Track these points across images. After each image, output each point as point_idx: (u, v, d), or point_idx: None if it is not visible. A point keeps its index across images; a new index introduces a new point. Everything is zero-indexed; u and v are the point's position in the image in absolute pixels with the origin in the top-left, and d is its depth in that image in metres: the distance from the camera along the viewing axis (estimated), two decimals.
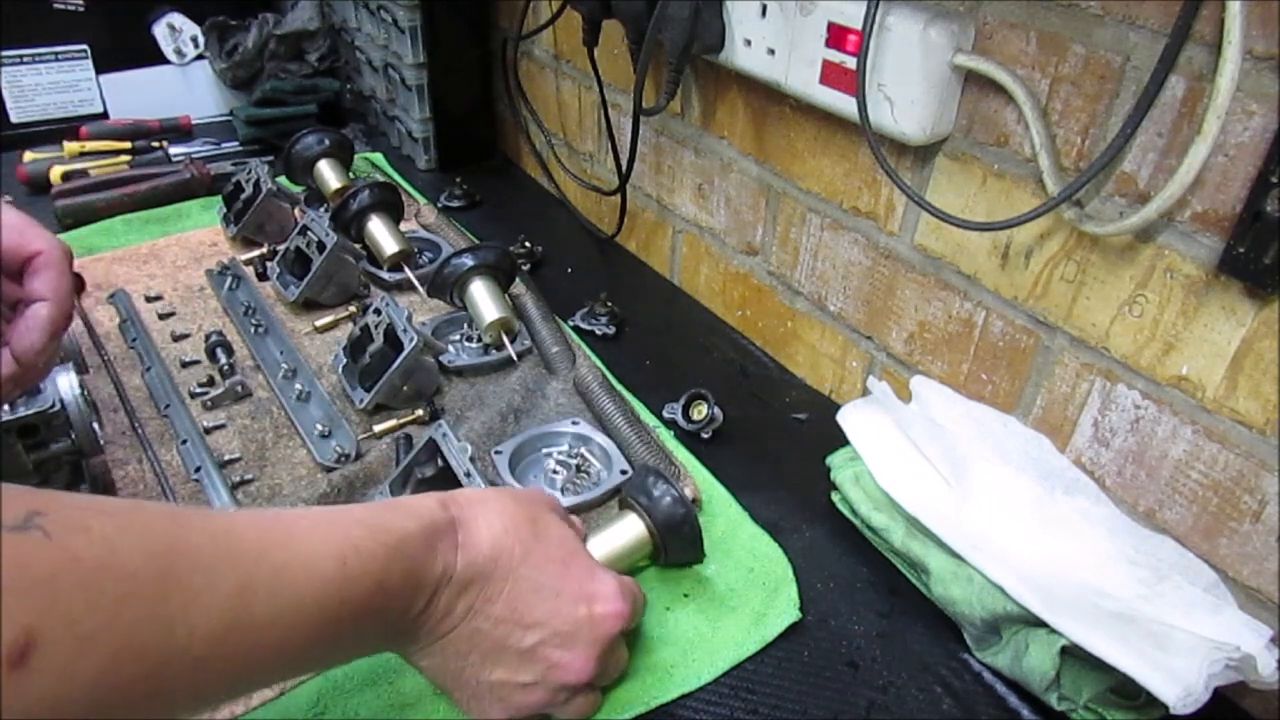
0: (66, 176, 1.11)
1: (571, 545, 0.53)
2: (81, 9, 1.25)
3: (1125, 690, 0.54)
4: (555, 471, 0.72)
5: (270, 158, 1.17)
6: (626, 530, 0.61)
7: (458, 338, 0.88)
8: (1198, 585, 0.56)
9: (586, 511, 0.69)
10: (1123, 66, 0.55)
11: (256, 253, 1.00)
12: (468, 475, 0.61)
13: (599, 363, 0.86)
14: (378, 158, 1.28)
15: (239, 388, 0.79)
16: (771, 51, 0.74)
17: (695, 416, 0.79)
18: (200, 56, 1.35)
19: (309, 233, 0.92)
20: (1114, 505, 0.63)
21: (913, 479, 0.65)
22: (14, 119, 1.27)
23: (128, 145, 1.21)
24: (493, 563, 0.48)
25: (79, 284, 0.93)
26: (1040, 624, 0.55)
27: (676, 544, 0.62)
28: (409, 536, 0.45)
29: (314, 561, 0.40)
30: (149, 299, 0.92)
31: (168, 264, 0.99)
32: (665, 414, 0.81)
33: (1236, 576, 0.57)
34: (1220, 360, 0.55)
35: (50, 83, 1.28)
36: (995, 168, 0.64)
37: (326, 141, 1.06)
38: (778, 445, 0.79)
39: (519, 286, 0.92)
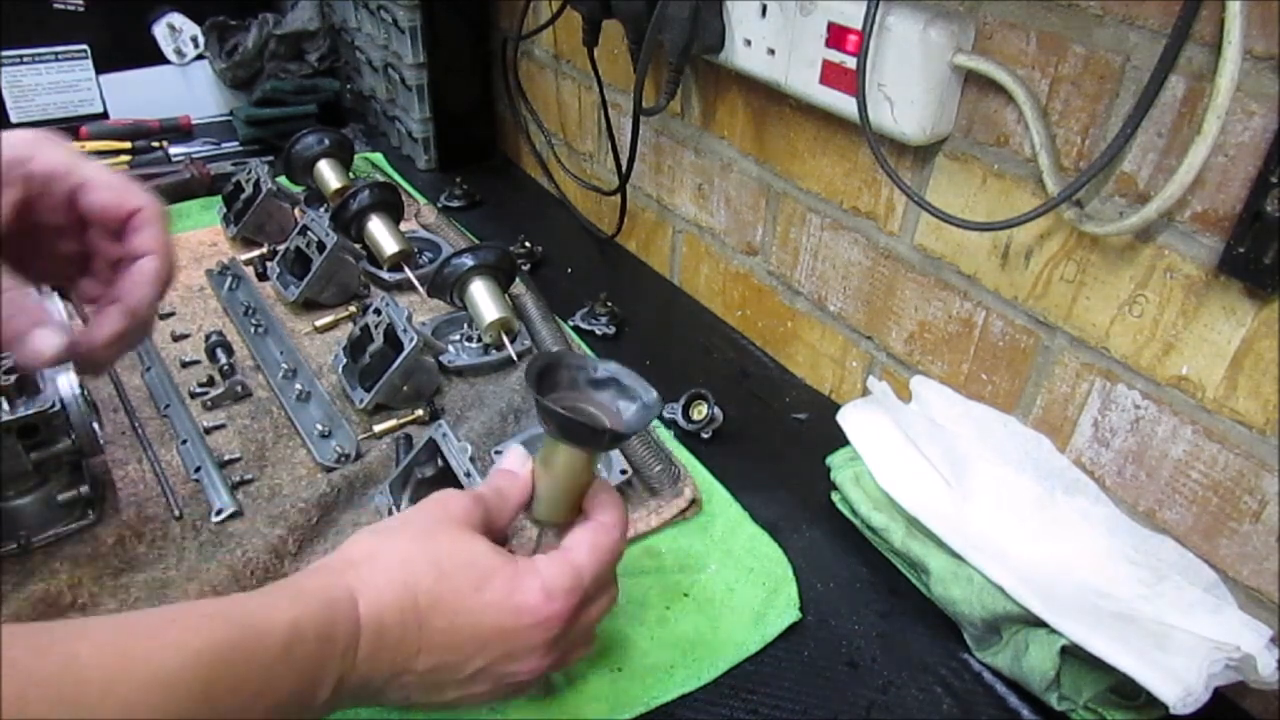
0: None
1: (482, 563, 0.47)
2: (81, 9, 1.25)
3: (1125, 690, 0.54)
4: None
5: (270, 158, 1.16)
6: (553, 456, 0.52)
7: (458, 338, 0.88)
8: (1198, 585, 0.56)
9: None
10: (1123, 66, 0.55)
11: (256, 253, 1.00)
12: (468, 475, 0.61)
13: None
14: (378, 158, 1.28)
15: (239, 388, 0.79)
16: (771, 51, 0.74)
17: (695, 416, 0.79)
18: (200, 56, 1.35)
19: (309, 233, 0.92)
20: (1114, 505, 0.63)
21: (913, 479, 0.65)
22: (14, 119, 1.27)
23: (128, 145, 1.21)
24: (399, 626, 0.44)
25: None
26: (1040, 624, 0.55)
27: (585, 443, 0.52)
28: (296, 634, 0.40)
29: (172, 689, 0.35)
30: None
31: None
32: (665, 414, 0.81)
33: (1236, 576, 0.57)
34: (1220, 360, 0.55)
35: (50, 83, 1.28)
36: (995, 168, 0.64)
37: (326, 141, 1.06)
38: (778, 445, 0.79)
39: (519, 286, 0.92)
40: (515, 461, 0.53)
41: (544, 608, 0.47)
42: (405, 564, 0.45)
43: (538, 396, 0.49)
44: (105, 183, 0.50)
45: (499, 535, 0.52)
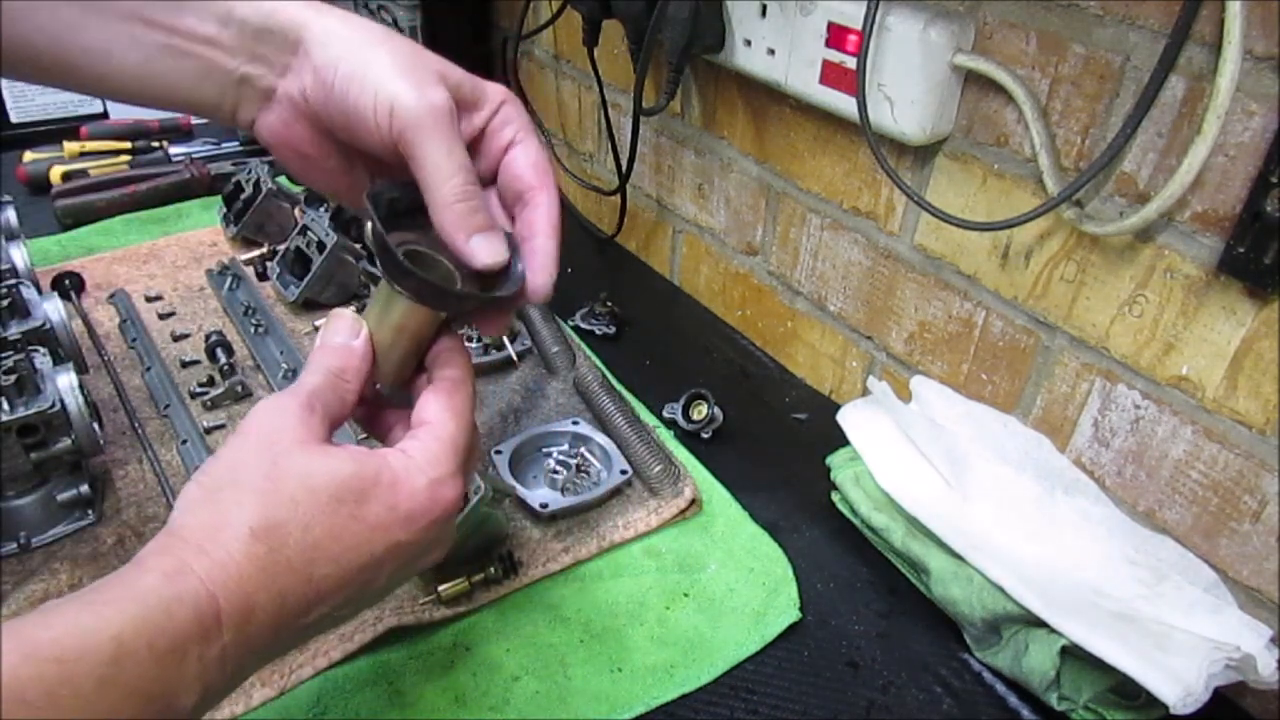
0: (66, 176, 1.11)
1: (350, 484, 0.40)
2: None
3: (1125, 690, 0.54)
4: (555, 471, 0.72)
5: (270, 158, 1.16)
6: (390, 310, 0.45)
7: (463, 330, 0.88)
8: (1198, 585, 0.56)
9: (586, 512, 0.69)
10: (1123, 66, 0.55)
11: (256, 253, 1.00)
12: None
13: (599, 363, 0.86)
14: None
15: (239, 388, 0.79)
16: (771, 51, 0.74)
17: (695, 416, 0.79)
18: None
19: (309, 233, 0.92)
20: (1114, 505, 0.63)
21: (913, 479, 0.65)
22: (14, 119, 1.27)
23: (128, 145, 1.21)
24: (275, 600, 0.37)
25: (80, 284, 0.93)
26: (1040, 624, 0.55)
27: (443, 305, 0.46)
28: (122, 652, 0.32)
29: None
30: (149, 299, 0.92)
31: (168, 264, 0.99)
32: (665, 414, 0.81)
33: (1236, 576, 0.57)
34: (1220, 360, 0.55)
35: None
36: (995, 168, 0.64)
37: None
38: (778, 445, 0.79)
39: None
40: (345, 330, 0.45)
41: (436, 503, 0.42)
42: (261, 530, 0.37)
43: (382, 233, 0.42)
44: (534, 149, 0.48)
45: (343, 420, 0.45)
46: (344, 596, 0.40)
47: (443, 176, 0.43)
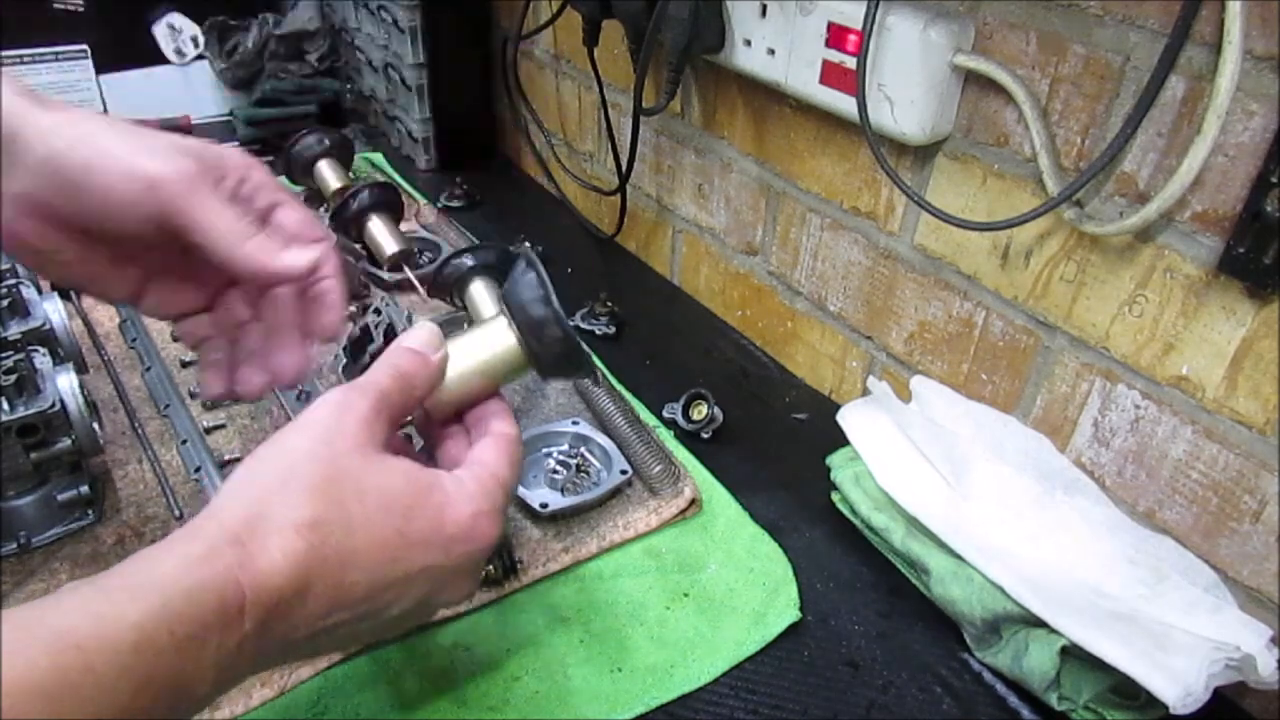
0: None
1: (401, 496, 0.41)
2: (81, 9, 1.25)
3: (1125, 690, 0.54)
4: (555, 471, 0.72)
5: (270, 158, 1.16)
6: (493, 338, 0.48)
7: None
8: (1198, 585, 0.56)
9: (586, 512, 0.69)
10: (1123, 66, 0.55)
11: None
12: None
13: (599, 363, 0.86)
14: (378, 158, 1.28)
15: None
16: (771, 51, 0.74)
17: (695, 416, 0.79)
18: (200, 56, 1.35)
19: None
20: (1114, 505, 0.63)
21: (913, 479, 0.65)
22: None
23: None
24: (302, 599, 0.37)
25: None
26: (1040, 624, 0.55)
27: (544, 349, 0.48)
28: (144, 640, 0.32)
29: None
30: None
31: None
32: (665, 414, 0.81)
33: (1236, 576, 0.57)
34: (1220, 360, 0.55)
35: (50, 83, 1.28)
36: (995, 168, 0.64)
37: (326, 141, 1.06)
38: (778, 445, 0.79)
39: None
40: (425, 340, 0.46)
41: (476, 534, 0.42)
42: (304, 526, 0.37)
43: (539, 273, 0.45)
44: (297, 206, 0.50)
45: (400, 425, 0.46)
46: (367, 609, 0.40)
47: (225, 227, 0.44)
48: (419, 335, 0.46)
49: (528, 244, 0.45)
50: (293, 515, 0.37)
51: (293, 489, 0.38)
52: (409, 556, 0.40)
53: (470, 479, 0.43)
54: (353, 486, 0.39)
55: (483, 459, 0.45)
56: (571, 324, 0.63)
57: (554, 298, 0.46)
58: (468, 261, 0.84)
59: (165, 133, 0.45)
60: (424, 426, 0.50)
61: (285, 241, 0.47)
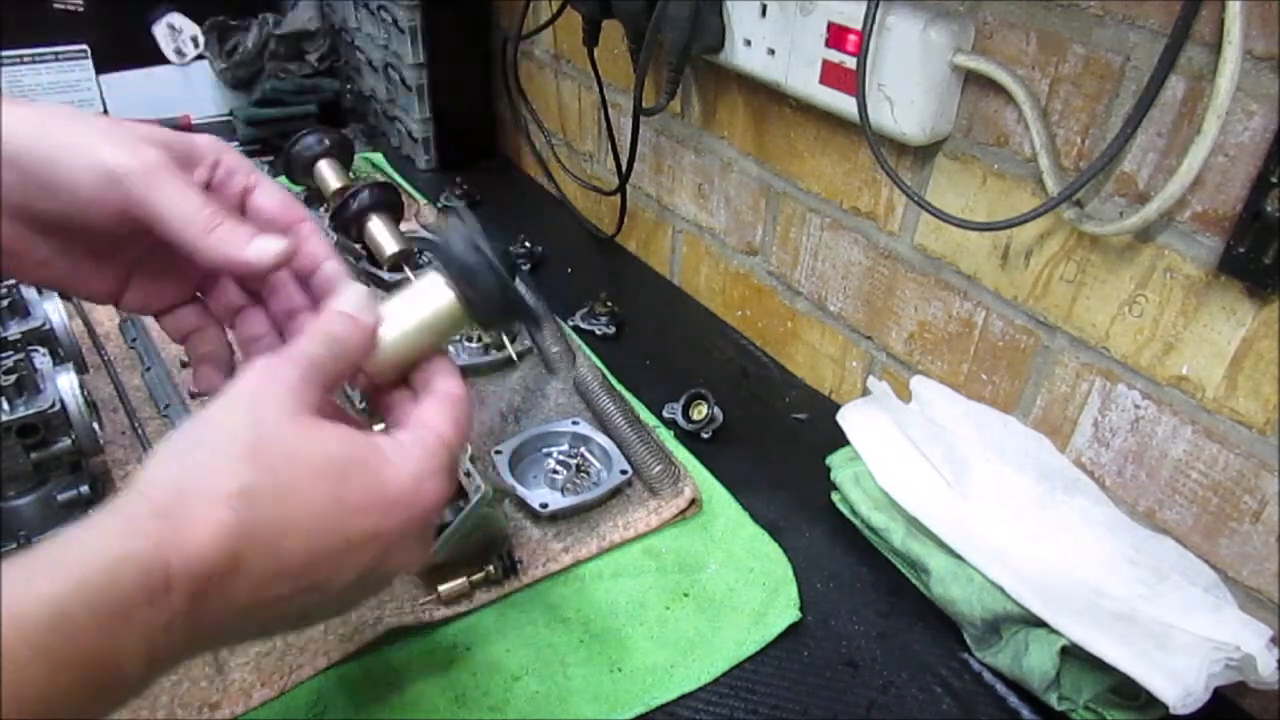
0: None
1: (336, 461, 0.38)
2: (81, 9, 1.25)
3: (1125, 690, 0.54)
4: (555, 471, 0.72)
5: (270, 158, 1.16)
6: (428, 296, 0.45)
7: (458, 338, 0.88)
8: (1198, 585, 0.56)
9: (586, 512, 0.69)
10: (1123, 66, 0.55)
11: None
12: (467, 475, 0.61)
13: (599, 363, 0.86)
14: (378, 158, 1.28)
15: None
16: (771, 51, 0.74)
17: (695, 416, 0.79)
18: (200, 56, 1.35)
19: None
20: (1114, 505, 0.63)
21: (913, 479, 0.65)
22: None
23: None
24: (234, 574, 0.35)
25: None
26: (1040, 624, 0.55)
27: (478, 295, 0.45)
28: (60, 618, 0.30)
29: None
30: None
31: None
32: (665, 414, 0.81)
33: (1236, 576, 0.57)
34: (1220, 360, 0.55)
35: (50, 83, 1.28)
36: (995, 168, 0.64)
37: (326, 141, 1.06)
38: (778, 445, 0.79)
39: (519, 287, 0.92)
40: (356, 303, 0.43)
41: (419, 497, 0.40)
42: (232, 496, 0.35)
43: (461, 226, 0.43)
44: (274, 188, 0.48)
45: (334, 391, 0.43)
46: (309, 581, 0.37)
47: (189, 214, 0.42)
48: (349, 299, 0.43)
49: (463, 204, 0.43)
50: (220, 486, 0.35)
51: (219, 459, 0.36)
52: (348, 523, 0.38)
53: (412, 441, 0.41)
54: (282, 452, 0.37)
55: (425, 420, 0.43)
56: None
57: (486, 245, 0.44)
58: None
59: (135, 123, 0.44)
60: (370, 391, 0.48)
61: (261, 227, 0.45)
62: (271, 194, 0.47)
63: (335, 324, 0.42)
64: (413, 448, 0.41)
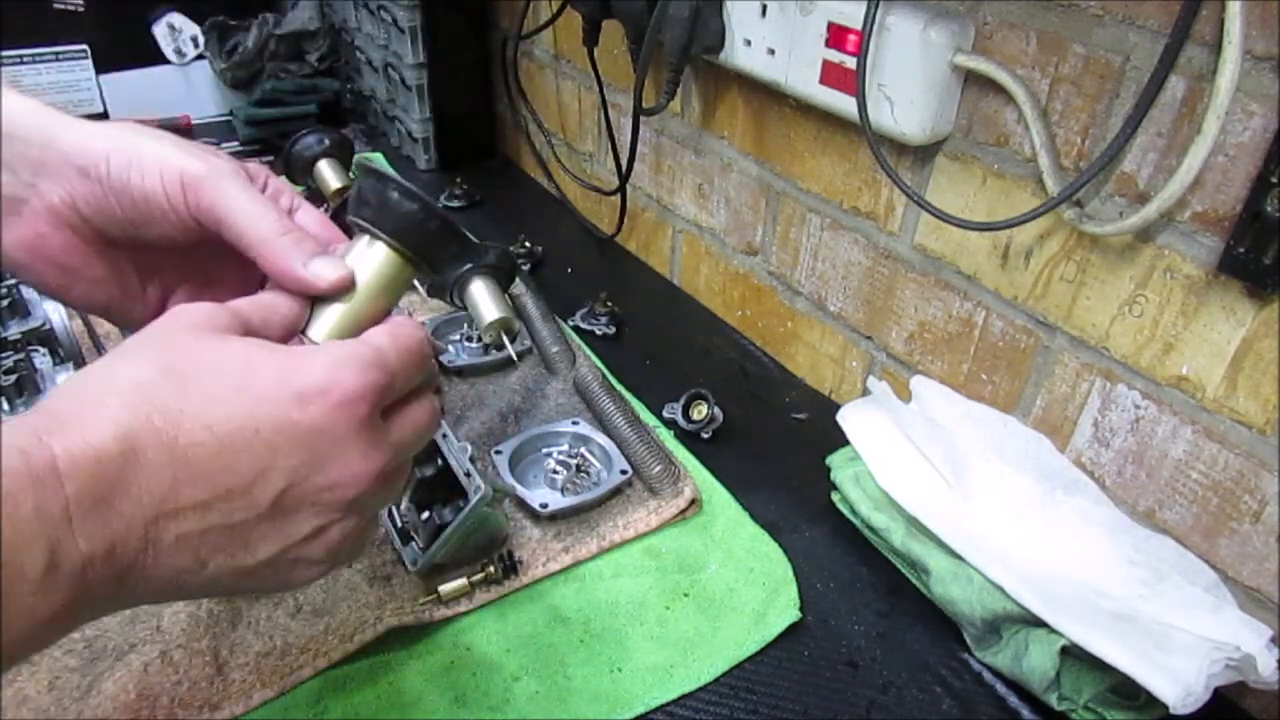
0: None
1: (239, 355, 0.37)
2: (81, 9, 1.25)
3: (1125, 690, 0.54)
4: (555, 471, 0.72)
5: (270, 158, 1.16)
6: (362, 259, 0.44)
7: (458, 338, 0.88)
8: (1198, 585, 0.56)
9: (586, 512, 0.69)
10: (1123, 66, 0.55)
11: None
12: (468, 475, 0.61)
13: (599, 363, 0.86)
14: (378, 158, 1.28)
15: None
16: (771, 51, 0.74)
17: (695, 416, 0.79)
18: (200, 56, 1.35)
19: None
20: (1114, 505, 0.63)
21: (913, 479, 0.65)
22: None
23: None
24: (129, 462, 0.33)
25: None
26: (1040, 624, 0.55)
27: (425, 243, 0.44)
28: None
29: None
30: None
31: None
32: (665, 414, 0.81)
33: (1236, 576, 0.57)
34: (1220, 360, 0.55)
35: (50, 83, 1.28)
36: (995, 168, 0.64)
37: (326, 141, 1.06)
38: (778, 445, 0.79)
39: (519, 286, 0.92)
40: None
41: (334, 380, 0.36)
42: (126, 387, 0.34)
43: (374, 171, 0.42)
44: (314, 210, 0.49)
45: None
46: (227, 485, 0.35)
47: (257, 218, 0.43)
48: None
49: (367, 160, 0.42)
50: (113, 383, 0.34)
51: (118, 365, 0.35)
52: (254, 412, 0.35)
53: (332, 344, 0.39)
54: (181, 351, 0.36)
55: (359, 337, 0.41)
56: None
57: (397, 177, 0.43)
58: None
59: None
60: None
61: (316, 245, 0.45)
62: (312, 215, 0.48)
63: (262, 294, 0.42)
64: (331, 346, 0.39)
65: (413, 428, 0.41)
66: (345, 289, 0.43)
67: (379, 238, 0.43)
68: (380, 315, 0.44)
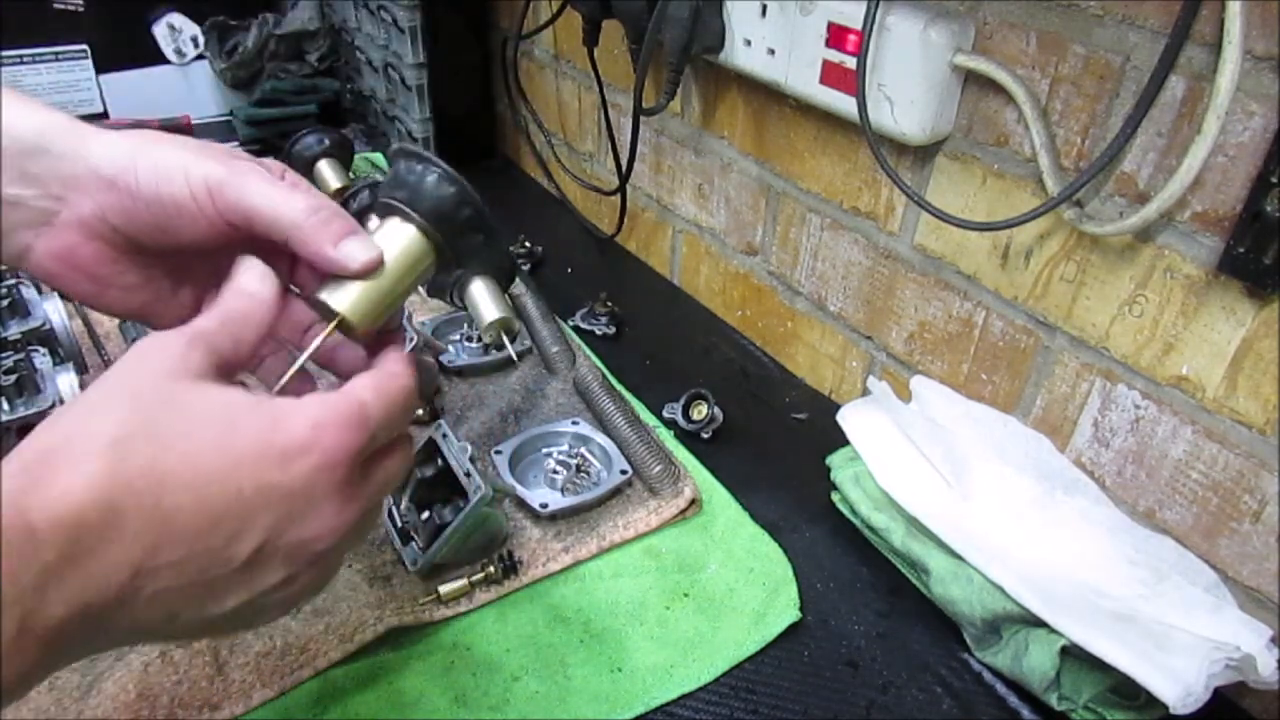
0: None
1: (219, 411, 0.36)
2: (81, 9, 1.25)
3: (1125, 690, 0.54)
4: (555, 471, 0.72)
5: (270, 158, 1.16)
6: (390, 240, 0.44)
7: (458, 338, 0.88)
8: (1198, 585, 0.56)
9: (586, 512, 0.69)
10: (1123, 66, 0.55)
11: None
12: (468, 475, 0.61)
13: (599, 363, 0.86)
14: (378, 158, 1.28)
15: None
16: (771, 51, 0.74)
17: (695, 416, 0.79)
18: (200, 56, 1.35)
19: None
20: (1114, 505, 0.63)
21: (913, 479, 0.65)
22: None
23: None
24: (109, 525, 0.32)
25: None
26: (1040, 624, 0.55)
27: (458, 233, 0.45)
28: None
29: None
30: None
31: None
32: (665, 414, 0.81)
33: (1236, 576, 0.57)
34: (1220, 360, 0.55)
35: (50, 83, 1.28)
36: (995, 168, 0.64)
37: (326, 141, 1.06)
38: (778, 445, 0.79)
39: (519, 286, 0.92)
40: (253, 278, 0.42)
41: (316, 442, 0.37)
42: (104, 447, 0.33)
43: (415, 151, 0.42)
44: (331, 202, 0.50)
45: (237, 369, 0.41)
46: (205, 545, 0.35)
47: (284, 202, 0.42)
48: (247, 278, 0.42)
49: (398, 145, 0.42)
50: (90, 442, 0.33)
51: (92, 413, 0.35)
52: (236, 473, 0.35)
53: (316, 397, 0.39)
54: (161, 401, 0.35)
55: (345, 388, 0.41)
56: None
57: (437, 160, 0.43)
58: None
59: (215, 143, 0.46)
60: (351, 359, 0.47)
61: (346, 223, 0.45)
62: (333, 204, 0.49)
63: (231, 300, 0.41)
64: (313, 404, 0.38)
65: (386, 478, 0.42)
66: (374, 269, 0.43)
67: (410, 219, 0.44)
68: (400, 299, 0.45)
